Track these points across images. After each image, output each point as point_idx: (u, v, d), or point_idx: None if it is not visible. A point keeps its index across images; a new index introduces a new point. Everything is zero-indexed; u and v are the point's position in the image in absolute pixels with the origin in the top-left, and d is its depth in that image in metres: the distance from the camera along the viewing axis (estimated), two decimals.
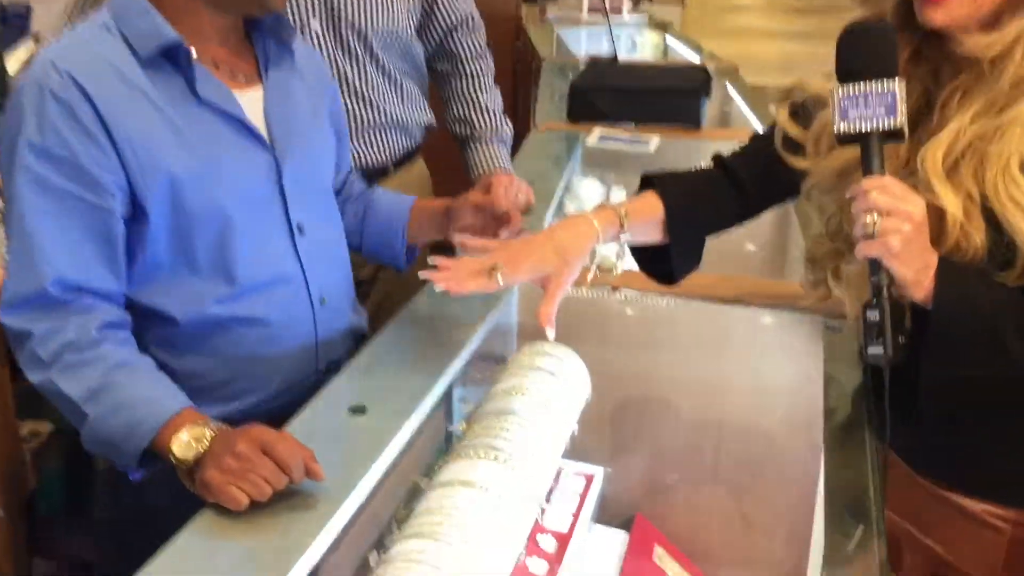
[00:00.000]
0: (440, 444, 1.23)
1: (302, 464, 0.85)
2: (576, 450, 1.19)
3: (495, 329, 1.29)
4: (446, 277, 0.98)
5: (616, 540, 1.25)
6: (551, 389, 1.15)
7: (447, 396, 1.22)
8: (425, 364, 1.10)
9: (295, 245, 1.12)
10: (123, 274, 1.00)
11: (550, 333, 0.97)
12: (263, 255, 1.08)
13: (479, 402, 1.14)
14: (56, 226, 0.94)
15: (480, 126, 1.82)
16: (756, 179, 1.15)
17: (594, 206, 1.11)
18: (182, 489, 0.89)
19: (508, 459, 1.00)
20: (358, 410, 1.02)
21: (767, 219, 1.26)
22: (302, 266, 1.12)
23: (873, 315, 0.86)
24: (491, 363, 1.27)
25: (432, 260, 1.00)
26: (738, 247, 1.86)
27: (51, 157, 0.94)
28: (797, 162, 1.05)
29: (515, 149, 1.99)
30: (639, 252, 1.20)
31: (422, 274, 0.97)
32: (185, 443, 0.89)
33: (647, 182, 1.16)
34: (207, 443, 0.88)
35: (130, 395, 0.93)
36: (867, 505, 0.91)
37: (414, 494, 1.03)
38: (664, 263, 1.16)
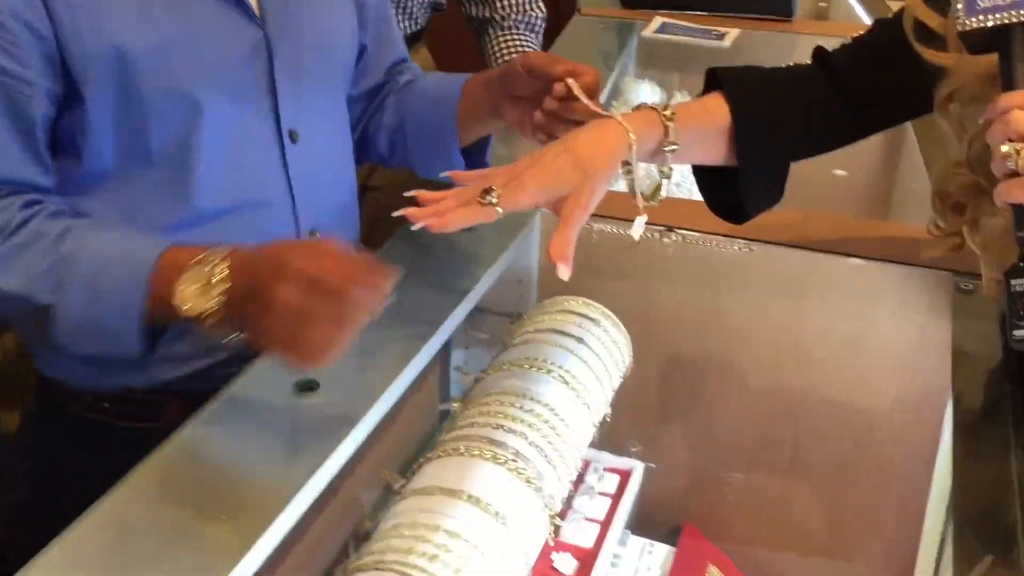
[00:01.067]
0: (430, 426, 1.20)
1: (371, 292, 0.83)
2: (608, 439, 1.19)
3: (507, 274, 1.26)
4: (426, 212, 0.92)
5: (658, 557, 1.21)
6: (578, 359, 1.12)
7: (442, 361, 1.21)
8: (409, 320, 1.05)
9: (284, 157, 1.07)
10: (49, 168, 0.98)
11: (564, 272, 0.90)
12: (239, 169, 1.04)
13: (481, 374, 1.12)
14: None
15: (503, 5, 1.78)
16: (872, 83, 1.07)
17: (634, 108, 1.05)
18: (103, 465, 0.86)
19: (514, 460, 0.95)
20: (306, 387, 0.96)
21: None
22: (291, 186, 1.08)
23: (1020, 285, 0.83)
24: (500, 320, 1.24)
25: (410, 193, 0.95)
26: (823, 172, 1.84)
27: None
28: (936, 56, 0.97)
29: (548, 39, 1.96)
30: (702, 177, 1.14)
31: (396, 213, 0.92)
32: (193, 295, 0.87)
33: (713, 80, 1.09)
34: (224, 284, 0.86)
35: (92, 263, 0.91)
36: (1005, 526, 0.85)
37: (385, 499, 0.98)
38: (731, 192, 1.10)
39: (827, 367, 1.31)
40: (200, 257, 0.88)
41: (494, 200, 0.92)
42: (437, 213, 0.92)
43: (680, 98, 2.03)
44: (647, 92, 2.02)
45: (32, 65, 0.93)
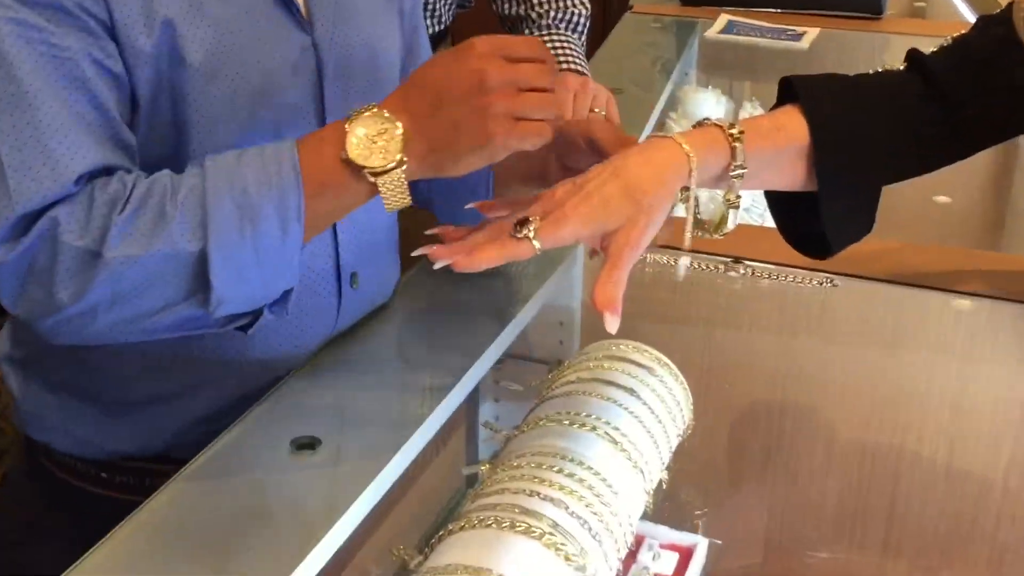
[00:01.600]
0: (452, 492, 1.21)
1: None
2: (665, 509, 1.17)
3: (546, 315, 1.27)
4: (451, 250, 0.94)
5: None
6: (629, 414, 1.11)
7: (468, 416, 1.24)
8: (428, 366, 1.09)
9: None
10: (135, 153, 1.00)
11: (611, 323, 0.92)
12: None
13: (513, 431, 1.10)
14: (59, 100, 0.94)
15: (540, 2, 1.79)
16: (977, 90, 1.06)
17: (695, 124, 1.06)
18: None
19: (552, 533, 0.92)
20: (306, 444, 0.97)
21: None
22: (335, 233, 1.13)
23: None
24: (537, 369, 1.26)
25: (432, 230, 0.98)
26: (922, 199, 1.86)
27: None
28: None
29: (595, 41, 1.98)
30: (777, 204, 1.14)
31: (417, 252, 0.96)
32: (368, 146, 0.94)
33: (788, 90, 1.10)
34: (401, 115, 0.94)
35: (228, 180, 0.95)
36: None
37: None
38: (812, 222, 1.09)
39: (927, 424, 1.30)
40: (352, 118, 0.94)
41: (531, 234, 0.93)
42: (462, 250, 0.93)
43: (750, 110, 2.09)
44: (711, 103, 2.04)
45: (111, 54, 0.97)
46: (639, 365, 1.17)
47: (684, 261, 1.02)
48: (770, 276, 1.32)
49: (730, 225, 1.05)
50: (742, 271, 1.32)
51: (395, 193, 0.94)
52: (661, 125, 1.83)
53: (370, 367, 1.12)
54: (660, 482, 1.12)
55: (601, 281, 0.92)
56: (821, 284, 1.30)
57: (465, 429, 1.22)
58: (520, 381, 1.25)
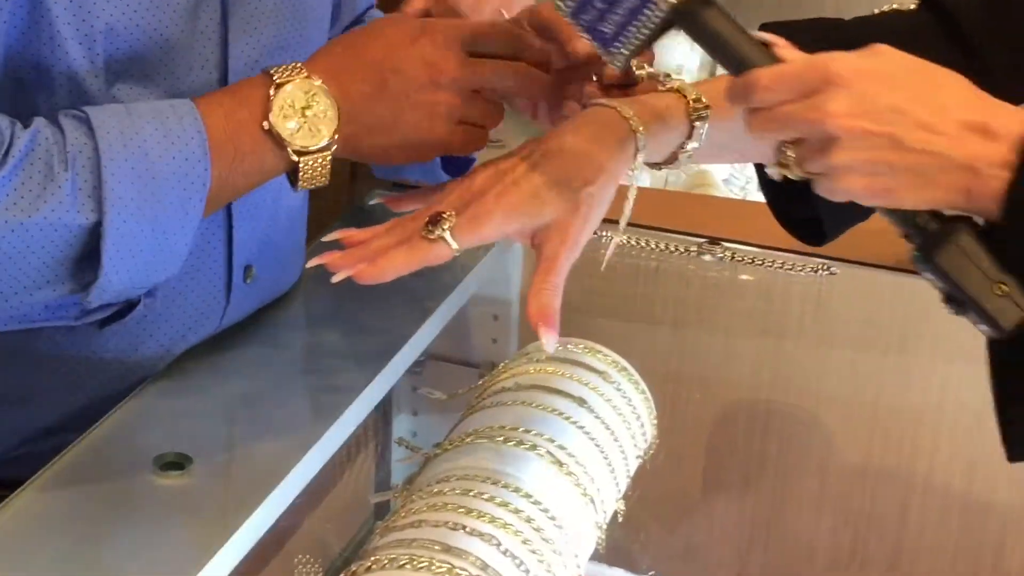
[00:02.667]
0: (358, 525, 1.21)
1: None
2: (622, 548, 1.18)
3: (476, 307, 1.29)
4: (352, 257, 0.97)
5: None
6: (578, 430, 1.12)
7: (377, 432, 1.24)
8: (328, 371, 1.09)
9: None
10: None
11: (549, 340, 0.94)
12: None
13: (435, 449, 1.11)
14: None
15: None
16: (1007, 31, 1.07)
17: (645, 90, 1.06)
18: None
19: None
20: (172, 464, 0.96)
21: None
22: (229, 213, 1.15)
23: None
24: (465, 373, 1.29)
25: (332, 235, 1.00)
26: None
27: None
28: None
29: None
30: (765, 175, 1.11)
31: (310, 263, 0.99)
32: (290, 109, 1.00)
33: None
34: (328, 93, 1.01)
35: (122, 138, 0.98)
36: None
37: None
38: (808, 202, 1.08)
39: (944, 442, 1.32)
40: (276, 80, 1.00)
41: (445, 233, 0.95)
42: (366, 258, 0.95)
43: None
44: (684, 48, 1.97)
45: None
46: (591, 370, 1.18)
47: (616, 242, 1.03)
48: (753, 261, 1.33)
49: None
50: (719, 255, 1.33)
51: (315, 173, 1.01)
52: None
53: (257, 371, 1.12)
54: (615, 513, 1.13)
55: (535, 288, 0.94)
56: (816, 272, 1.32)
57: (374, 448, 1.23)
58: (444, 388, 1.24)
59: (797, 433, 1.37)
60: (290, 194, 1.20)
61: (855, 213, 1.09)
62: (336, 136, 1.01)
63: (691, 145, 1.02)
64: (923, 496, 1.33)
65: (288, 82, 1.00)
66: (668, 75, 1.07)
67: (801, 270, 1.33)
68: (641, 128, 0.99)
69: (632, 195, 1.01)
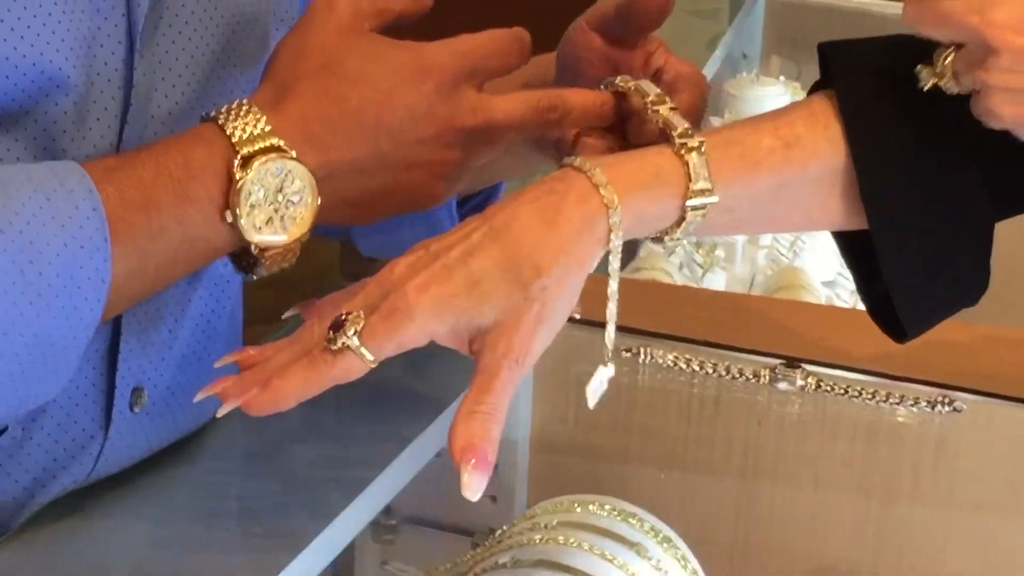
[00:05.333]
0: None
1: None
2: None
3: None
4: (243, 383, 0.92)
5: None
6: None
7: None
8: (250, 540, 1.02)
9: None
10: None
11: (471, 486, 0.86)
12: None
13: None
14: None
15: None
16: None
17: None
18: None
19: None
20: None
21: None
22: (118, 327, 1.06)
23: None
24: (451, 541, 1.23)
25: (228, 358, 0.95)
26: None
27: None
28: None
29: None
30: (844, 238, 1.09)
31: (199, 396, 0.93)
32: (255, 195, 0.93)
33: (825, 71, 1.04)
34: (299, 158, 0.93)
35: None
36: None
37: None
38: (878, 283, 1.03)
39: None
40: (242, 151, 0.92)
41: (352, 341, 0.88)
42: (259, 381, 0.90)
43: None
44: (783, 103, 1.92)
45: None
46: (622, 540, 1.09)
47: (602, 376, 0.91)
48: (848, 391, 1.18)
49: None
50: (800, 382, 1.19)
51: (281, 260, 0.96)
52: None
53: (150, 533, 1.02)
54: None
55: (463, 410, 0.86)
56: (934, 406, 1.18)
57: None
58: (422, 561, 1.18)
59: None
60: (215, 278, 1.15)
61: (946, 300, 1.04)
62: (312, 221, 0.95)
63: (677, 234, 0.96)
64: None
65: (252, 153, 0.91)
66: (664, 100, 0.98)
67: (914, 404, 1.18)
68: (617, 201, 0.91)
69: (613, 290, 0.93)
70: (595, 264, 0.94)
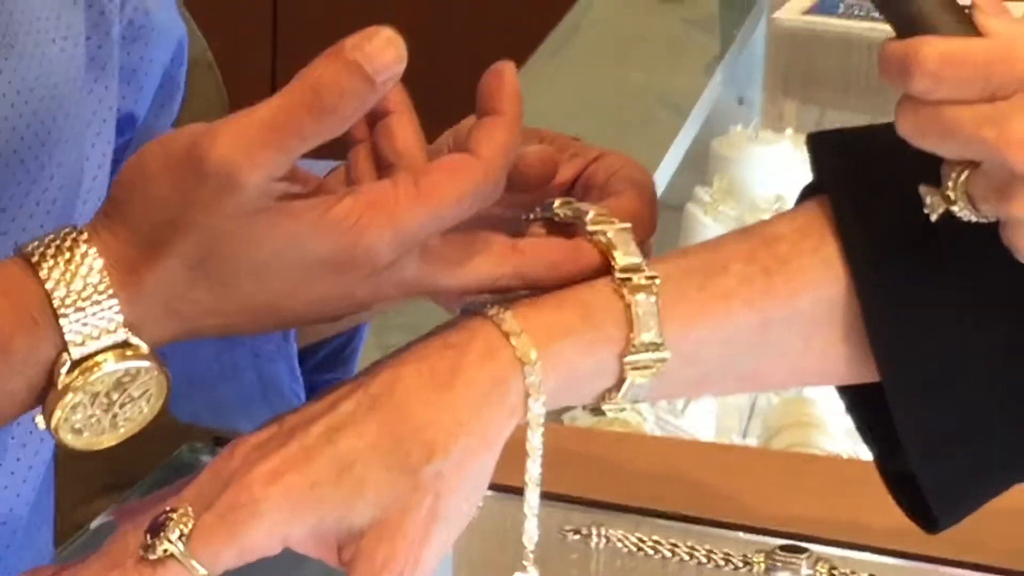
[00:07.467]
0: None
1: None
2: None
3: None
4: None
5: None
6: None
7: None
8: None
9: None
10: None
11: None
12: None
13: None
14: None
15: None
16: None
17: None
18: None
19: None
20: None
21: None
22: None
23: None
24: None
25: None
26: None
27: None
28: None
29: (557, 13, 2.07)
30: (853, 398, 1.01)
31: None
32: (90, 408, 0.85)
33: (817, 168, 0.99)
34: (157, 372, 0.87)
35: None
36: None
37: None
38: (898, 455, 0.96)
39: None
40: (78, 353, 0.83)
41: (177, 548, 0.82)
42: None
43: None
44: (788, 165, 1.86)
45: None
46: None
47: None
48: None
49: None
50: (806, 569, 1.08)
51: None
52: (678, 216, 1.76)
53: None
54: None
55: None
56: None
57: None
58: None
59: None
60: (20, 449, 1.12)
61: (982, 470, 0.96)
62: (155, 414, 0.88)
63: (619, 399, 0.89)
64: None
65: (89, 355, 0.82)
66: (609, 220, 0.90)
67: None
68: (534, 355, 0.85)
69: (533, 468, 0.86)
70: (504, 439, 0.82)
